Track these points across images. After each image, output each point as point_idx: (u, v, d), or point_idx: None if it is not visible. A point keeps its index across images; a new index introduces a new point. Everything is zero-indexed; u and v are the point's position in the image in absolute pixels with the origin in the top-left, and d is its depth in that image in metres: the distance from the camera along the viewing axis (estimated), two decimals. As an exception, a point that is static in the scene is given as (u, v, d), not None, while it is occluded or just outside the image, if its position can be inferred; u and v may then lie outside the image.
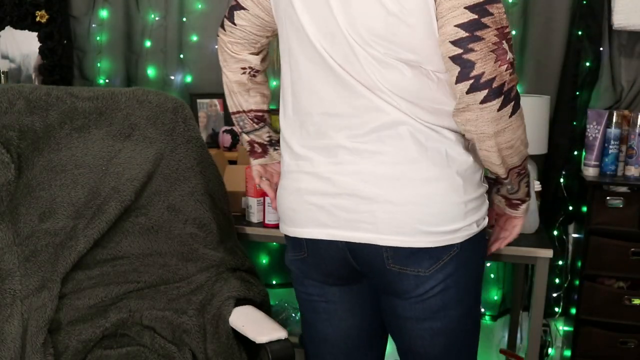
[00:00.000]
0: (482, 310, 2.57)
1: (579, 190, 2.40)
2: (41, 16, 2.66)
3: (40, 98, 1.75)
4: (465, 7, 1.11)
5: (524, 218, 1.46)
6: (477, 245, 1.32)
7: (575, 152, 2.42)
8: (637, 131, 2.23)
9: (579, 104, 2.40)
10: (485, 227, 1.33)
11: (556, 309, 2.49)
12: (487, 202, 1.32)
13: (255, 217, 2.04)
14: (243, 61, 1.47)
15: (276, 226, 1.99)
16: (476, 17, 1.11)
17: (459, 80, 1.14)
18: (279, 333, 1.58)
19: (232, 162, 2.38)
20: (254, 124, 1.53)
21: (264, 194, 2.01)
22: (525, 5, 2.40)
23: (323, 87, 1.25)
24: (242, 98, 1.50)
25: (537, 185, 2.05)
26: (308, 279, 1.41)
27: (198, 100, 2.65)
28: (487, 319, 2.58)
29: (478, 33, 1.11)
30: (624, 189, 2.18)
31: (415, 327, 1.32)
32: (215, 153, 2.21)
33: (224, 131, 2.57)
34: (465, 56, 1.12)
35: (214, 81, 2.70)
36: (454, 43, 1.13)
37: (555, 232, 2.45)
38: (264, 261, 2.73)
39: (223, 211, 1.90)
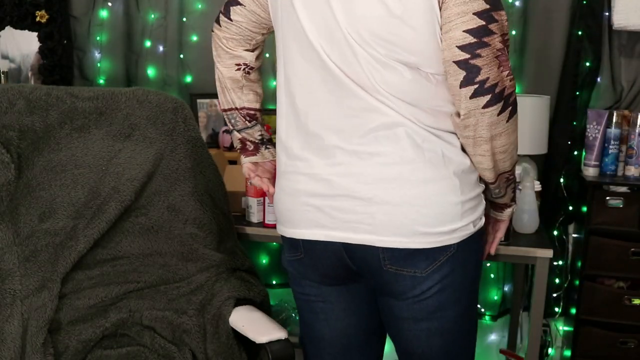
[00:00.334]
0: (482, 310, 2.57)
1: (579, 190, 2.40)
2: (41, 16, 2.66)
3: (40, 98, 1.75)
4: (474, 13, 1.13)
5: (507, 222, 1.50)
6: (474, 246, 1.33)
7: (575, 152, 2.42)
8: (637, 131, 2.23)
9: (579, 104, 2.40)
10: (482, 227, 1.33)
11: (556, 309, 2.49)
12: (484, 202, 1.33)
13: (255, 217, 2.04)
14: (238, 57, 1.46)
15: (275, 226, 1.99)
16: (484, 23, 1.13)
17: (463, 85, 1.16)
18: (279, 333, 1.58)
19: (232, 162, 2.38)
20: (246, 122, 1.52)
21: (264, 194, 2.01)
22: (525, 5, 2.40)
23: (319, 87, 1.25)
24: (235, 95, 1.49)
25: (537, 185, 2.06)
26: (305, 280, 1.41)
27: (198, 100, 2.65)
28: (487, 319, 2.58)
29: (485, 39, 1.14)
30: (624, 189, 2.18)
31: (412, 328, 1.32)
32: (215, 153, 2.21)
33: (224, 131, 2.57)
34: (472, 61, 1.14)
35: (214, 81, 2.70)
36: (462, 48, 1.14)
37: (555, 232, 2.45)
38: (264, 261, 2.73)
39: (223, 211, 1.90)
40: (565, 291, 2.47)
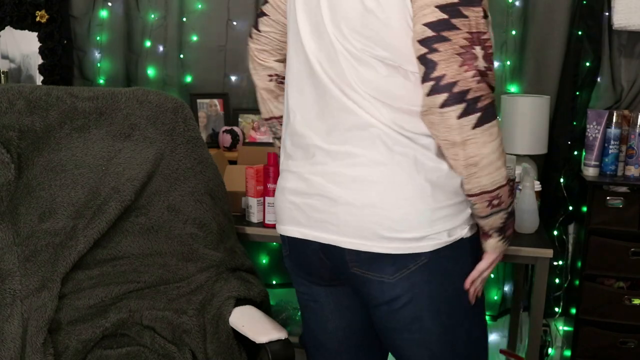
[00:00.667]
0: (482, 310, 2.57)
1: (579, 190, 2.40)
2: (41, 16, 2.66)
3: (40, 98, 1.75)
4: (436, 6, 1.08)
5: (493, 257, 1.30)
6: (459, 255, 1.25)
7: (575, 152, 2.42)
8: (637, 131, 2.23)
9: (579, 104, 2.40)
10: (469, 237, 1.25)
11: (556, 309, 2.49)
12: (468, 211, 1.24)
13: (255, 217, 2.05)
14: (269, 68, 1.49)
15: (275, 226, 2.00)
16: (446, 17, 1.08)
17: (423, 80, 1.12)
18: (279, 333, 1.58)
19: (232, 162, 2.38)
20: None
21: (264, 194, 2.01)
22: (525, 5, 2.40)
23: (305, 86, 1.27)
24: (272, 105, 1.52)
25: (537, 185, 2.06)
26: (297, 277, 1.43)
27: (198, 100, 2.65)
28: (487, 319, 2.58)
29: (445, 33, 1.08)
30: (624, 189, 2.19)
31: (396, 337, 1.30)
32: (215, 153, 2.21)
33: (224, 131, 2.57)
34: (429, 56, 1.09)
35: (214, 81, 2.70)
36: (421, 42, 1.10)
37: (555, 232, 2.45)
38: (264, 261, 2.73)
39: (223, 211, 1.90)
40: (565, 291, 2.47)
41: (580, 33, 2.34)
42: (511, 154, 1.90)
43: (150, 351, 1.66)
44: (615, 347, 2.20)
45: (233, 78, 2.69)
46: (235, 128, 2.57)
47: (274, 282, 2.73)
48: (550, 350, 2.54)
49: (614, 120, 2.25)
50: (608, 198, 2.16)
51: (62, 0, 2.68)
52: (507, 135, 2.21)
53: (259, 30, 1.46)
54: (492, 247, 1.29)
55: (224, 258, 1.84)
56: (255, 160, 2.22)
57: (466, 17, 1.08)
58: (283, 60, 1.49)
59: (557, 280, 2.48)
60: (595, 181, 2.21)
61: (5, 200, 1.66)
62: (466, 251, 1.26)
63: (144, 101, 1.83)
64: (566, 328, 2.48)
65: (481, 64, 1.09)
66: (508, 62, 2.45)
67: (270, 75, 1.49)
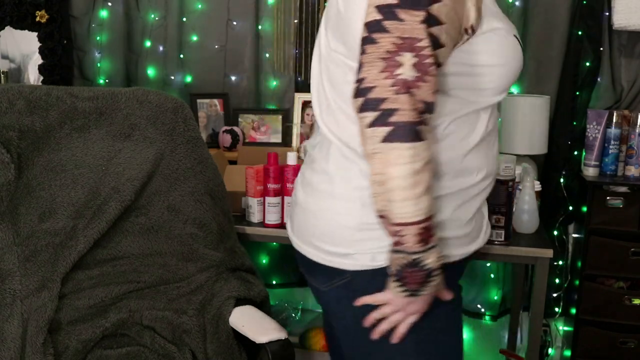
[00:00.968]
0: (482, 310, 2.57)
1: (579, 190, 2.40)
2: (41, 16, 2.66)
3: (40, 98, 1.75)
4: (376, 6, 1.00)
5: (389, 295, 1.11)
6: (382, 287, 1.11)
7: (575, 152, 2.42)
8: (637, 131, 2.23)
9: (579, 104, 2.40)
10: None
11: (556, 309, 2.49)
12: None
13: (255, 217, 2.04)
14: None
15: (276, 226, 2.00)
16: (380, 18, 0.99)
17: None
18: (279, 333, 1.58)
19: (232, 162, 2.38)
20: None
21: (264, 194, 2.01)
22: (525, 5, 2.40)
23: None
24: None
25: (537, 185, 2.06)
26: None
27: (198, 100, 2.65)
28: (487, 319, 2.58)
29: (374, 35, 1.00)
30: (624, 189, 2.19)
31: (334, 345, 1.34)
32: (215, 153, 2.21)
33: (224, 131, 2.57)
34: (360, 57, 1.02)
35: (214, 81, 2.71)
36: (360, 42, 1.03)
37: (555, 232, 2.45)
38: (264, 261, 2.73)
39: (223, 211, 1.90)
40: (565, 291, 2.47)
41: (580, 33, 2.34)
42: (511, 154, 1.89)
43: (150, 351, 1.66)
44: (615, 347, 2.20)
45: (233, 78, 2.69)
46: (235, 128, 2.57)
47: (274, 282, 2.73)
48: (550, 350, 2.54)
49: (614, 120, 2.25)
50: (608, 198, 2.16)
51: (62, 0, 2.68)
52: (507, 135, 2.22)
53: None
54: (390, 287, 1.10)
55: (224, 258, 1.84)
56: (255, 160, 2.22)
57: (401, 20, 0.98)
58: None
59: (557, 280, 2.48)
60: (595, 181, 2.21)
61: (5, 200, 1.66)
62: (375, 282, 1.14)
63: (144, 101, 1.82)
64: (566, 328, 2.48)
65: (408, 72, 0.97)
66: (508, 62, 2.45)
67: None
